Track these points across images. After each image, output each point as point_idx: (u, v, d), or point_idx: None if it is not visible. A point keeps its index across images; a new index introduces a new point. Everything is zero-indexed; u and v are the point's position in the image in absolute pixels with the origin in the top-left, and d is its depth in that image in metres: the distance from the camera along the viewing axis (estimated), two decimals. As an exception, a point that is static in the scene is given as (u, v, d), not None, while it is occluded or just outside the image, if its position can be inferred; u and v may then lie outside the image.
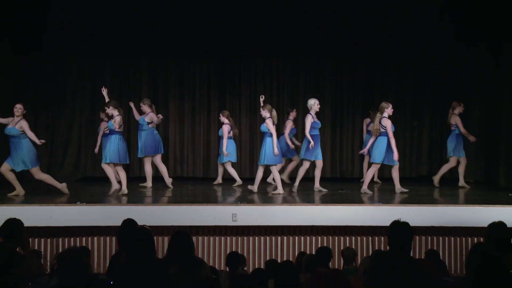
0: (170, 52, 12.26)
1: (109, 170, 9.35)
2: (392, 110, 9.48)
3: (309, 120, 9.63)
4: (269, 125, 9.39)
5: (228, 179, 11.04)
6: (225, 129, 10.68)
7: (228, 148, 10.62)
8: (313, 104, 9.74)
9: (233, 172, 10.86)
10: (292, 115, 11.08)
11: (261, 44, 12.09)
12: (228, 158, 10.71)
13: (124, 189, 9.32)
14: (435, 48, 11.88)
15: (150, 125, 10.07)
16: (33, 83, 11.98)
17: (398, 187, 9.58)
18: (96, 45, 11.88)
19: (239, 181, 10.80)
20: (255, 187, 9.75)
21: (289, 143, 10.63)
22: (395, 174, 9.57)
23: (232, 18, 11.70)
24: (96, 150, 11.14)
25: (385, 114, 9.39)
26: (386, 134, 9.35)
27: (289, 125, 10.85)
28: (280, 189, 9.46)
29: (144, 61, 12.44)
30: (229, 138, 10.71)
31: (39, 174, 9.06)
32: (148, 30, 11.74)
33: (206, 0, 11.48)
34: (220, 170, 11.12)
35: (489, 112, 11.41)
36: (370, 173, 9.65)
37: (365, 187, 9.57)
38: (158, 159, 10.27)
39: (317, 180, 9.99)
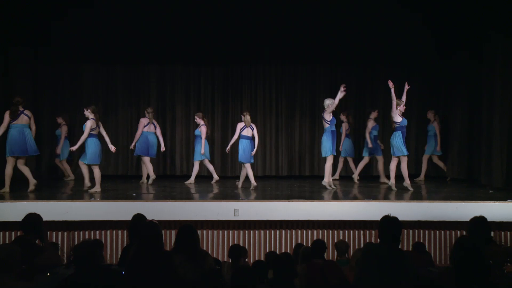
0: (177, 59, 12.29)
1: (85, 169, 9.36)
2: (405, 107, 9.46)
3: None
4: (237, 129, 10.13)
5: (226, 176, 11.06)
6: (204, 130, 10.77)
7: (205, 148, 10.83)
8: (330, 103, 9.57)
9: (195, 170, 11.01)
10: (374, 114, 11.13)
11: (261, 52, 12.14)
12: (204, 156, 10.86)
13: (97, 187, 9.32)
14: (421, 57, 11.96)
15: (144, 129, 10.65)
16: (52, 88, 12.02)
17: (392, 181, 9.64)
18: (108, 54, 11.94)
19: (191, 180, 10.98)
20: (253, 182, 9.88)
21: (369, 141, 10.87)
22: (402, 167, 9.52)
23: (234, 29, 11.72)
24: (58, 151, 11.34)
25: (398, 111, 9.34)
26: (400, 128, 9.36)
27: (370, 124, 10.95)
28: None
29: (153, 68, 12.47)
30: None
31: (7, 165, 9.00)
32: (157, 39, 11.79)
33: (210, 12, 11.49)
34: (211, 168, 11.14)
35: (471, 115, 11.42)
36: (404, 169, 9.49)
37: (393, 181, 9.60)
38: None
39: (329, 175, 9.81)
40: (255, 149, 10.07)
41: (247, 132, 9.98)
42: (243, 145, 9.91)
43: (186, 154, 12.55)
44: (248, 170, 9.97)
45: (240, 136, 10.00)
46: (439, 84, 12.26)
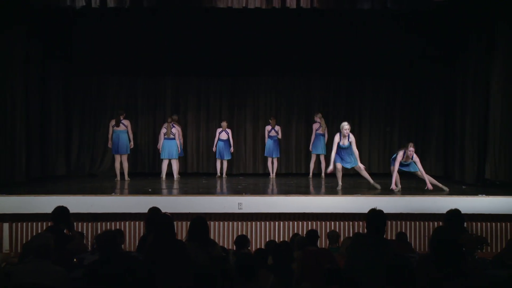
0: (190, 72, 12.23)
1: None
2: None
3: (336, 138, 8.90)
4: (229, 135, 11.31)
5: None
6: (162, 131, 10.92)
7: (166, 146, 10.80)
8: (342, 127, 8.88)
9: (164, 168, 10.88)
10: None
11: (263, 65, 12.05)
12: (168, 155, 10.76)
13: None
14: (403, 69, 11.90)
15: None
16: (81, 96, 12.05)
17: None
18: (130, 66, 11.90)
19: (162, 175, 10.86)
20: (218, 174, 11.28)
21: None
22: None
23: (240, 45, 11.67)
24: None
25: None
26: None
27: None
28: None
29: (168, 79, 12.44)
30: (166, 138, 10.80)
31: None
32: (172, 54, 11.74)
33: (220, 31, 11.49)
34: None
35: (446, 119, 11.43)
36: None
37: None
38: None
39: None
40: (232, 148, 11.35)
41: (223, 136, 11.20)
42: (219, 146, 11.18)
43: (196, 155, 12.51)
44: (223, 164, 11.27)
45: (218, 138, 11.24)
46: (417, 94, 12.21)
